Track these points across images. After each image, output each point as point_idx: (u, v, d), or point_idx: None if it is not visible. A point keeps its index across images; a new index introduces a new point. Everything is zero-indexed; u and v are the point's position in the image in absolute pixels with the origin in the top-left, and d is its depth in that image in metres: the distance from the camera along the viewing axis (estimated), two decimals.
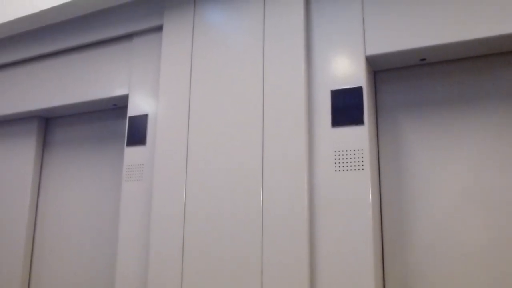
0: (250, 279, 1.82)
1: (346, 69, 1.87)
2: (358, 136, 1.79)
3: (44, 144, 3.05)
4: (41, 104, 2.78)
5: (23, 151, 3.00)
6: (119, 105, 2.64)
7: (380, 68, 2.03)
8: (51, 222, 2.87)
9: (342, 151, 1.80)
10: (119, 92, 2.47)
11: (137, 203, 2.24)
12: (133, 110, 2.38)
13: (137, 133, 2.32)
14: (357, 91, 1.83)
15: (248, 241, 1.86)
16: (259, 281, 1.80)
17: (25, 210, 2.87)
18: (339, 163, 1.80)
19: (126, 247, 2.22)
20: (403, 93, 2.01)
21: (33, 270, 2.85)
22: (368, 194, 1.72)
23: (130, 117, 2.37)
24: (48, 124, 3.09)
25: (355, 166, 1.77)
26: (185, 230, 2.01)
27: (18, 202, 2.92)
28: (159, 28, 2.38)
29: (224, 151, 2.00)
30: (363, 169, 1.75)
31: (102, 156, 2.76)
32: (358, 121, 1.80)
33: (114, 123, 2.76)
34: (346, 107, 1.84)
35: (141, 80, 2.40)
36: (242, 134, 1.97)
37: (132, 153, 2.32)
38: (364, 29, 1.88)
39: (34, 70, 2.89)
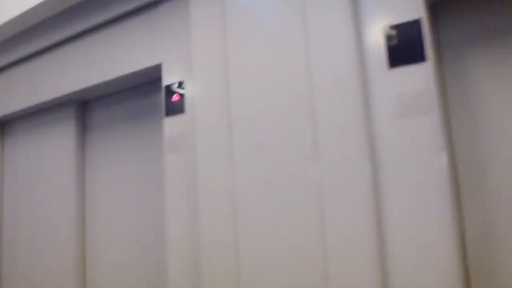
0: (310, 246, 1.66)
1: (400, 0, 1.62)
2: (421, 75, 1.56)
3: (84, 129, 2.99)
4: (74, 86, 2.71)
5: (62, 139, 2.96)
6: (154, 77, 2.52)
7: None
8: (99, 208, 2.83)
9: (404, 93, 1.58)
10: (151, 62, 2.34)
11: (182, 175, 2.11)
12: (168, 78, 2.25)
13: (174, 101, 2.19)
14: (416, 24, 1.59)
15: (306, 206, 1.69)
16: (321, 253, 1.63)
17: (72, 202, 2.81)
18: (402, 108, 1.58)
19: (174, 223, 2.11)
20: (470, 25, 1.74)
21: (87, 258, 2.82)
22: (439, 141, 1.50)
23: (166, 86, 2.24)
24: (85, 108, 3.03)
25: (421, 110, 1.54)
26: (236, 200, 1.86)
27: (63, 195, 2.87)
28: None
29: (270, 110, 1.82)
30: (431, 113, 1.52)
31: (144, 133, 2.66)
32: (419, 58, 1.57)
33: (152, 97, 2.64)
34: (403, 44, 1.60)
35: (173, 48, 2.25)
36: (288, 90, 1.79)
37: (172, 123, 2.19)
38: None
39: (64, 54, 2.81)
